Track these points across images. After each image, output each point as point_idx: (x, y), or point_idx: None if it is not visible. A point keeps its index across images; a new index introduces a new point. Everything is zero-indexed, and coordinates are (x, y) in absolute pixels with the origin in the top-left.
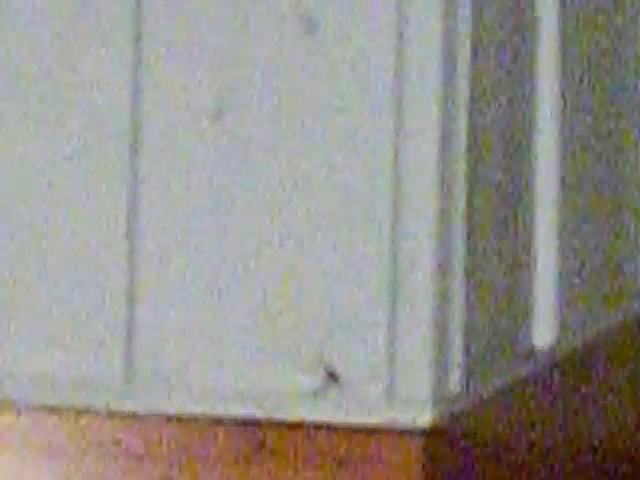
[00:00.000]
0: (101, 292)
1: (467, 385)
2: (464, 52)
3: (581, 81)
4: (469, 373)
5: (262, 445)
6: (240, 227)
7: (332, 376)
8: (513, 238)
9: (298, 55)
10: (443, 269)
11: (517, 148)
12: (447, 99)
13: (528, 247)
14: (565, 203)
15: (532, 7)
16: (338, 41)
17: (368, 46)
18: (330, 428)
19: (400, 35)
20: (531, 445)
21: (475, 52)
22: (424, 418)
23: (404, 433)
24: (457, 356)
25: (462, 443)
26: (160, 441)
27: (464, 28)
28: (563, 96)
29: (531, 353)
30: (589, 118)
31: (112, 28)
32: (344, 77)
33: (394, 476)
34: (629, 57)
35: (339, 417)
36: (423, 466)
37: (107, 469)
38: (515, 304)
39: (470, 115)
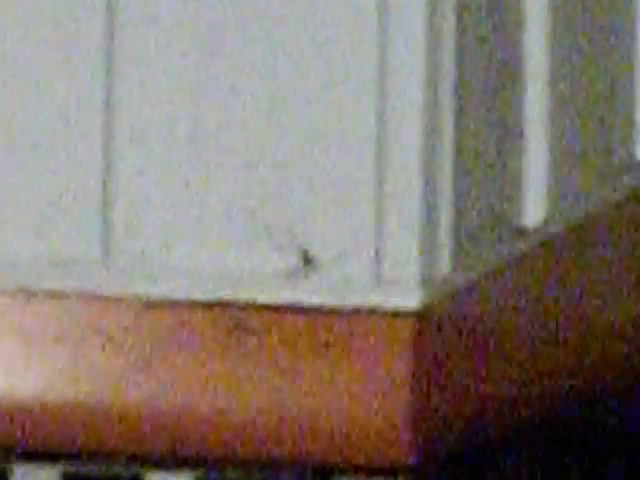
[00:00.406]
0: (76, 169)
1: (457, 266)
2: None
3: None
4: (459, 253)
5: (240, 327)
6: (220, 102)
7: (306, 257)
8: (502, 112)
9: None
10: (431, 143)
11: (506, 22)
12: None
13: (518, 121)
14: (556, 76)
15: None
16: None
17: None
18: (310, 310)
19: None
20: (522, 326)
21: None
22: (413, 300)
23: (391, 315)
24: (446, 236)
25: (453, 325)
26: (139, 325)
27: None
28: None
29: (522, 232)
30: None
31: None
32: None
33: (381, 359)
34: None
35: (316, 299)
36: (413, 350)
37: (85, 353)
38: (504, 181)
39: None
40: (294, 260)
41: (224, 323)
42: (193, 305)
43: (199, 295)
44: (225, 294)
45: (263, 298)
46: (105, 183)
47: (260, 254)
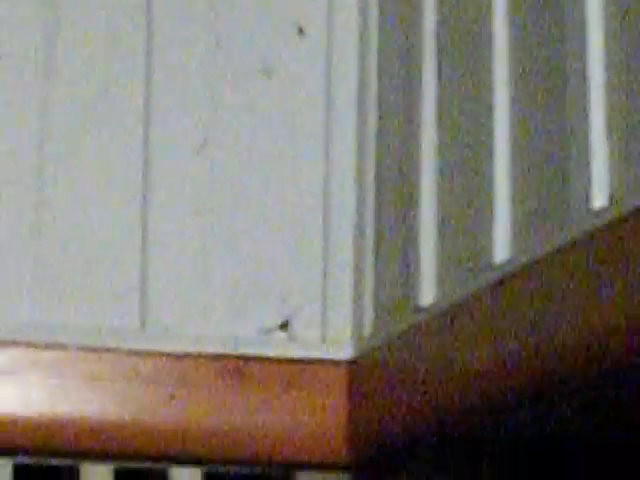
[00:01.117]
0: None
1: (376, 329)
2: None
3: None
4: (378, 320)
5: (238, 372)
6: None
7: (282, 324)
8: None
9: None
10: (359, 250)
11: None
12: None
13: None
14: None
15: None
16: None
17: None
18: (280, 360)
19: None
20: (431, 370)
21: None
22: (347, 354)
23: (332, 364)
24: (368, 308)
25: (375, 370)
26: (167, 371)
27: None
28: None
29: (417, 308)
30: None
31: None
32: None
33: (327, 394)
34: None
35: (284, 353)
36: (347, 387)
37: (130, 392)
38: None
39: None
40: (273, 326)
41: (227, 370)
42: (205, 357)
43: (210, 350)
44: (226, 350)
45: (252, 351)
46: (142, 276)
47: (249, 322)
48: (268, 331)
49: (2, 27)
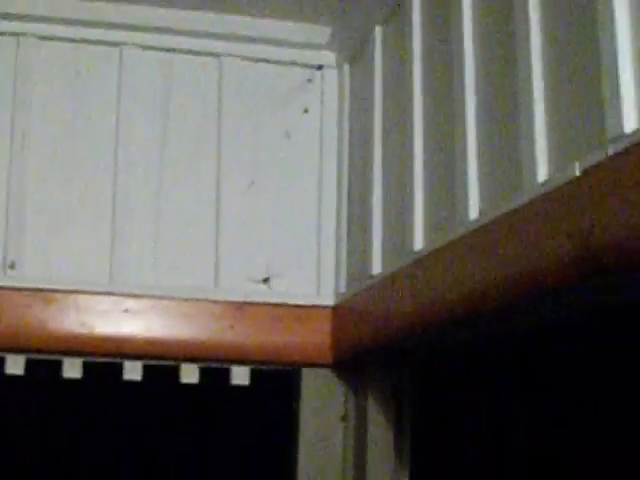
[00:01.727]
0: None
1: (347, 288)
2: None
3: None
4: (348, 282)
5: (270, 313)
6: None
7: (294, 287)
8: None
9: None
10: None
11: None
12: None
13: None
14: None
15: None
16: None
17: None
18: (295, 305)
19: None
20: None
21: None
22: (330, 302)
23: (323, 308)
24: (343, 275)
25: (347, 312)
26: (228, 312)
27: None
28: None
29: (371, 277)
30: None
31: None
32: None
33: (320, 325)
34: None
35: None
36: (331, 321)
37: (207, 323)
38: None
39: None
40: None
41: (264, 312)
42: (254, 303)
43: (261, 300)
44: (265, 299)
45: (281, 300)
46: (216, 259)
47: (283, 285)
48: (285, 289)
49: None
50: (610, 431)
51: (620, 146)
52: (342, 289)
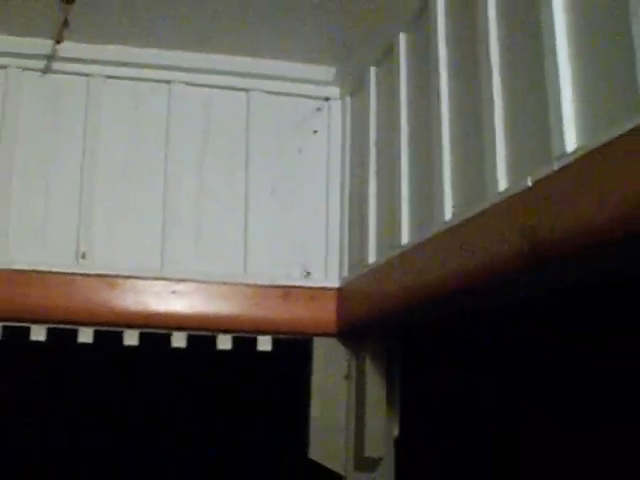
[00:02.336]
0: None
1: (349, 273)
2: None
3: None
4: (350, 269)
5: (288, 293)
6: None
7: (308, 272)
8: None
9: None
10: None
11: None
12: None
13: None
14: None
15: None
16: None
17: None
18: (308, 288)
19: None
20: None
21: None
22: (336, 285)
23: (330, 289)
24: (345, 264)
25: (349, 292)
26: (259, 293)
27: None
28: None
29: (366, 266)
30: None
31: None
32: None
33: (327, 303)
34: None
35: (314, 285)
36: (337, 300)
37: (243, 303)
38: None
39: None
40: (302, 272)
41: (284, 292)
42: (275, 286)
43: (277, 283)
44: (284, 282)
45: (295, 284)
46: (245, 257)
47: (295, 270)
48: (299, 275)
49: None
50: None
51: (563, 162)
52: (345, 274)
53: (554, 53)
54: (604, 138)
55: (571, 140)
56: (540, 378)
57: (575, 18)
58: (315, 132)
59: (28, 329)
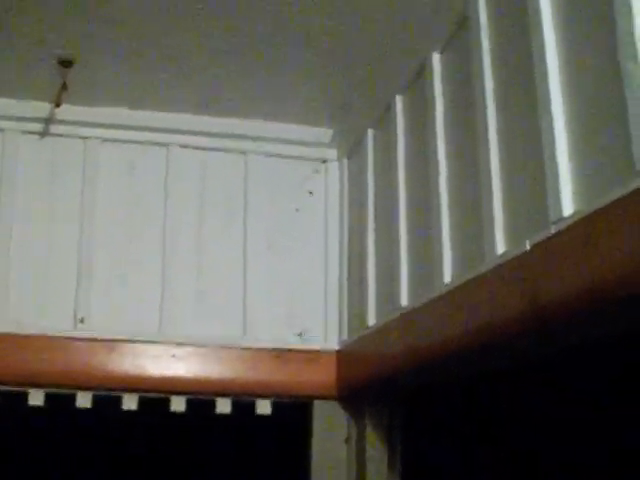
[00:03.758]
0: None
1: (348, 336)
2: None
3: None
4: (349, 332)
5: (283, 356)
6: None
7: (307, 334)
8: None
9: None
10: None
11: None
12: None
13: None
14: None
15: None
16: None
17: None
18: (306, 350)
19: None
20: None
21: None
22: (335, 347)
23: (329, 352)
24: (345, 327)
25: (349, 355)
26: (254, 357)
27: None
28: None
29: (366, 328)
30: None
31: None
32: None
33: (327, 366)
34: None
35: (313, 347)
36: (337, 362)
37: (238, 366)
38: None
39: None
40: (299, 334)
41: (281, 355)
42: (269, 349)
43: (272, 346)
44: (280, 345)
45: (292, 346)
46: (244, 312)
47: (292, 332)
48: (298, 336)
49: None
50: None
51: (560, 226)
52: (344, 336)
53: (550, 119)
54: (600, 202)
55: (568, 204)
56: (541, 438)
57: (570, 85)
58: (311, 193)
59: (26, 394)
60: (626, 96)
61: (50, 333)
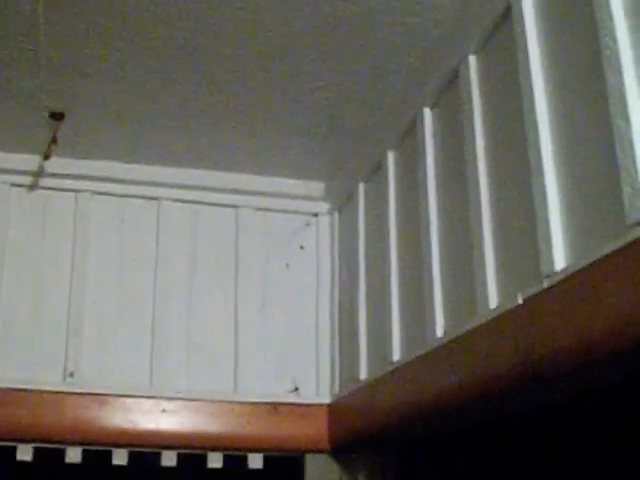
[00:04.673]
0: None
1: (340, 391)
2: None
3: None
4: (341, 388)
5: (275, 410)
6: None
7: (298, 388)
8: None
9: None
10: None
11: None
12: None
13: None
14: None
15: None
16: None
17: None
18: (298, 404)
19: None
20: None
21: None
22: (327, 401)
23: (321, 406)
24: (337, 382)
25: (340, 409)
26: (245, 410)
27: None
28: None
29: (358, 382)
30: None
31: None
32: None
33: (319, 419)
34: None
35: (304, 401)
36: (328, 416)
37: (229, 420)
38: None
39: None
40: (292, 389)
41: (273, 408)
42: (263, 403)
43: (266, 400)
44: (273, 399)
45: (284, 401)
46: (235, 372)
47: (283, 387)
48: (292, 391)
49: None
50: None
51: (552, 280)
52: (336, 390)
53: (542, 174)
54: (593, 256)
55: (560, 258)
56: None
57: (562, 141)
58: (302, 248)
59: (14, 448)
60: (616, 152)
61: (40, 387)
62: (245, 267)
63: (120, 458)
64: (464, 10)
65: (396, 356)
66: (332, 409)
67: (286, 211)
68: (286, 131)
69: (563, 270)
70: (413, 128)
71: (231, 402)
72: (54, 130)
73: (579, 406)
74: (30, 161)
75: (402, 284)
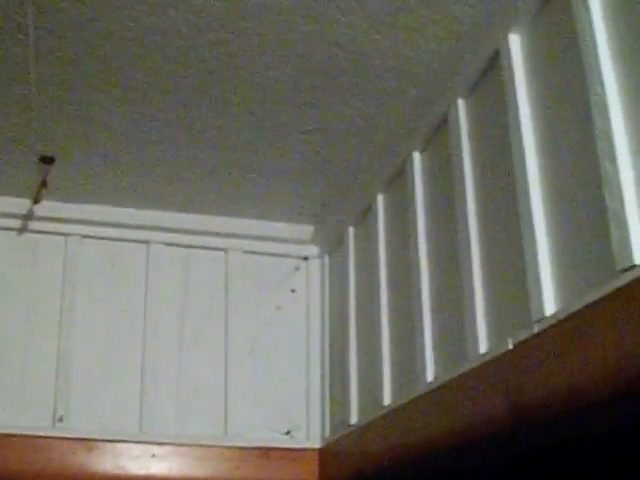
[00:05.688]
0: None
1: (330, 436)
2: None
3: None
4: (330, 433)
5: (266, 455)
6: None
7: (289, 432)
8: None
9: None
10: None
11: None
12: None
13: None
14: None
15: None
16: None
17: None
18: (289, 449)
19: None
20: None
21: None
22: (317, 445)
23: (312, 450)
24: (327, 427)
25: (331, 453)
26: (236, 455)
27: None
28: None
29: (348, 427)
30: None
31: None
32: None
33: (310, 463)
34: None
35: (295, 446)
36: (319, 459)
37: (218, 465)
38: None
39: None
40: (284, 432)
41: (264, 453)
42: (255, 448)
43: (257, 445)
44: (264, 444)
45: (276, 445)
46: (225, 415)
47: (275, 431)
48: (282, 435)
49: None
50: None
51: (542, 326)
52: (327, 434)
53: (531, 220)
54: (583, 302)
55: (550, 304)
56: None
57: (550, 186)
58: (293, 291)
59: None
60: (605, 195)
61: (28, 432)
62: (235, 310)
63: None
64: (453, 55)
65: (387, 400)
66: (323, 453)
67: (276, 254)
68: (275, 174)
69: (553, 315)
70: (403, 171)
71: (221, 447)
72: (44, 174)
73: (568, 451)
74: (20, 204)
75: (392, 328)
